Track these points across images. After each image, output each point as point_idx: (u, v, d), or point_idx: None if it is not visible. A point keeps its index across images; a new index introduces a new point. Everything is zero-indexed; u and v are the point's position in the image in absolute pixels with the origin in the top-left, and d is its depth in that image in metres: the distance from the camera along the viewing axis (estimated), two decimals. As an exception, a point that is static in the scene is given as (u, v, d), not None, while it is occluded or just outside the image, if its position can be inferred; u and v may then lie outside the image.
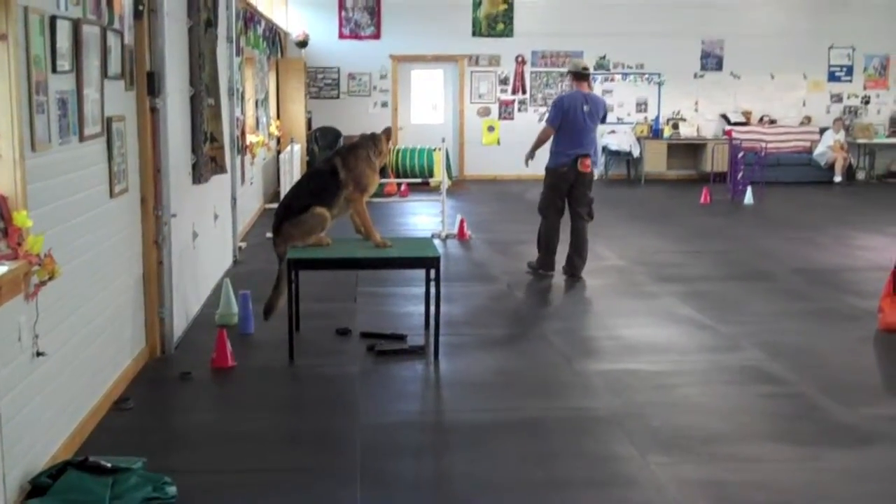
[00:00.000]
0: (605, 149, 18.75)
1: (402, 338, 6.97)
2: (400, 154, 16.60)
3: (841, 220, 13.60)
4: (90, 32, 5.07)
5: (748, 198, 15.34)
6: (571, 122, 9.31)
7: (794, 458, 4.92)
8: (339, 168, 6.84)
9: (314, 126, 17.89)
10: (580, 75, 9.57)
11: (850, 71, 19.40)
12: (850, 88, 19.49)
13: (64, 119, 4.71)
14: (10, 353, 4.04)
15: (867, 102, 19.57)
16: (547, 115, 9.61)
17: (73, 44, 4.83)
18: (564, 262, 9.44)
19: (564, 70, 9.72)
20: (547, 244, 9.51)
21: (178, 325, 6.87)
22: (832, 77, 19.42)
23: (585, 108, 9.36)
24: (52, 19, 4.52)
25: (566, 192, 9.43)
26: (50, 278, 4.28)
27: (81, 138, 4.97)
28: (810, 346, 6.98)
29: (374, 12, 18.31)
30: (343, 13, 18.29)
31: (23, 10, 4.17)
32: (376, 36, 18.40)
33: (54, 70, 4.56)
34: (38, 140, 4.34)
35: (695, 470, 4.74)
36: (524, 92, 18.93)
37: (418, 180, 15.43)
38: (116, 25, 5.57)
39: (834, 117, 19.04)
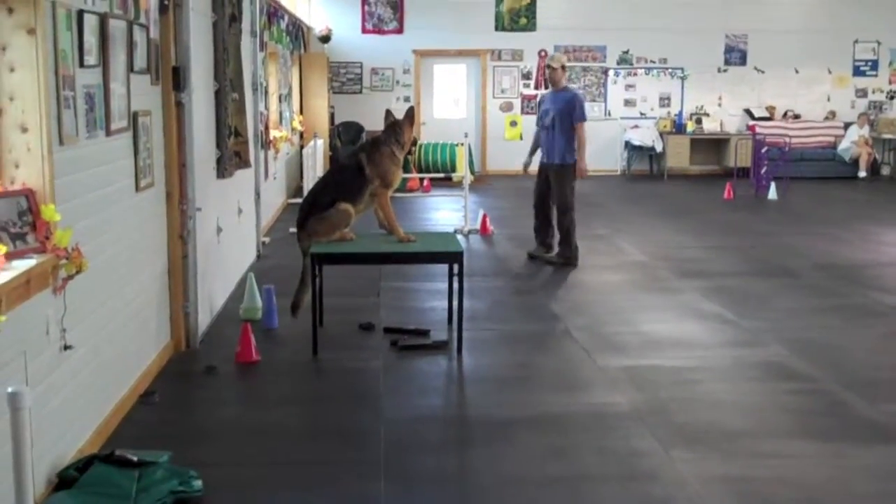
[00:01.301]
0: (627, 143, 18.75)
1: (425, 333, 6.99)
2: (422, 149, 16.61)
3: (865, 215, 13.53)
4: (117, 27, 5.10)
5: (772, 193, 15.26)
6: None
7: (817, 455, 4.90)
8: (364, 164, 6.86)
9: (337, 121, 17.94)
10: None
11: (875, 65, 19.29)
12: (875, 83, 19.37)
13: (91, 113, 4.75)
14: (38, 347, 4.08)
15: (892, 97, 19.44)
16: (580, 113, 9.70)
17: (100, 38, 4.86)
18: (557, 245, 9.89)
19: (555, 64, 9.88)
20: (572, 236, 9.69)
21: (203, 320, 6.91)
22: (857, 72, 19.31)
23: None
24: (80, 14, 4.55)
25: None
26: (77, 272, 4.31)
27: (108, 133, 5.01)
28: (834, 343, 6.95)
29: (397, 7, 18.32)
30: (366, 8, 18.32)
31: (50, 5, 4.21)
32: (399, 31, 18.42)
33: (81, 64, 4.59)
34: (66, 134, 4.38)
35: (718, 465, 4.73)
36: (547, 87, 18.85)
37: (441, 175, 15.44)
38: (142, 20, 5.60)
39: (859, 112, 18.92)
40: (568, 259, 9.66)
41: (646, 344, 6.89)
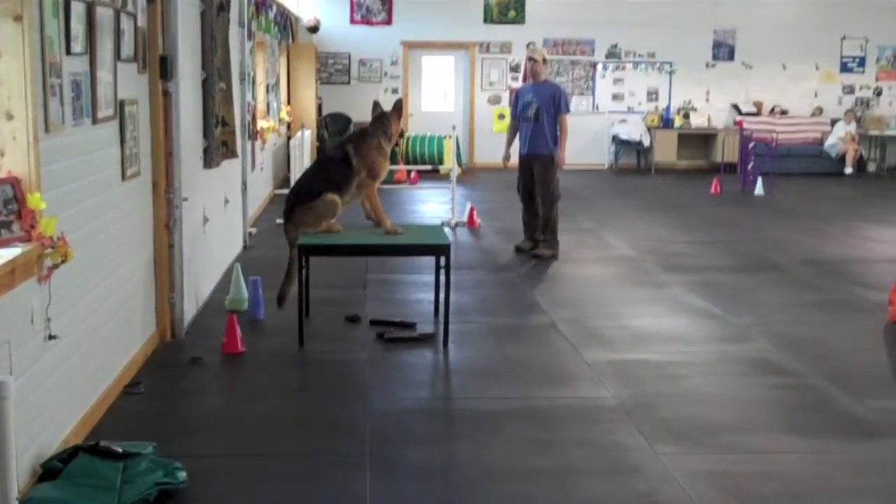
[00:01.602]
0: (615, 138, 18.77)
1: (411, 325, 6.98)
2: (410, 141, 16.58)
3: (851, 211, 13.57)
4: (104, 15, 5.07)
5: (758, 188, 15.30)
6: None
7: (801, 450, 4.92)
8: (351, 155, 6.84)
9: (324, 112, 17.89)
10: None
11: (862, 62, 19.34)
12: (863, 80, 19.43)
13: (77, 101, 4.71)
14: (22, 336, 4.05)
15: (879, 94, 19.50)
16: (566, 105, 9.96)
17: (87, 26, 4.82)
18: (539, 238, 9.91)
19: (537, 57, 9.99)
20: (557, 228, 9.77)
21: (189, 310, 6.88)
22: (844, 68, 19.36)
23: None
24: (67, 1, 4.51)
25: None
26: (63, 261, 4.28)
27: (94, 121, 4.98)
28: (819, 338, 6.97)
29: (386, -2, 18.29)
30: (354, -2, 18.28)
31: (38, -7, 4.18)
32: (388, 22, 18.37)
33: (68, 52, 4.56)
34: (52, 122, 4.35)
35: (702, 460, 4.74)
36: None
37: (428, 168, 15.42)
38: (130, 8, 5.56)
39: (845, 108, 18.97)
40: (554, 252, 9.68)
41: (632, 338, 6.89)
